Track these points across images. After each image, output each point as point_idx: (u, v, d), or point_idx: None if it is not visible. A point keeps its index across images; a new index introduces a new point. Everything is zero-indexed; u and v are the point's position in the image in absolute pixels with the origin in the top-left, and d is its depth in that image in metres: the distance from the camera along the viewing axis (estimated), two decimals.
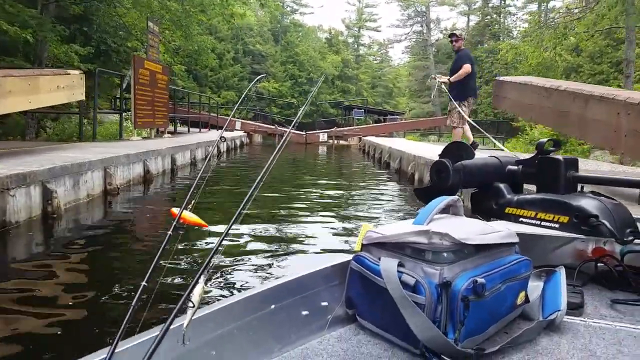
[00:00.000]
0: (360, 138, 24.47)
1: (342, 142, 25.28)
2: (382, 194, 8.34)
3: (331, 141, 24.77)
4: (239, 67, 39.49)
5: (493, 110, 40.79)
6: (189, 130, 17.41)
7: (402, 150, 11.20)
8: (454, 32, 7.87)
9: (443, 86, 7.64)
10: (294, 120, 1.66)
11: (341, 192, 8.60)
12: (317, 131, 25.82)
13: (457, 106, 7.13)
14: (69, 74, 7.24)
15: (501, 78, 6.47)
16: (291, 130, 1.52)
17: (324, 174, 12.19)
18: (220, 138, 1.68)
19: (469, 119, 6.82)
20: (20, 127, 11.66)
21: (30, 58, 11.98)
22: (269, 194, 7.40)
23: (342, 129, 27.04)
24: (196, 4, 14.06)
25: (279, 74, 42.24)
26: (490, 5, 48.30)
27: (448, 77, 7.50)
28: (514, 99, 5.84)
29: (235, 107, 2.27)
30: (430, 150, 10.09)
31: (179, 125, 18.90)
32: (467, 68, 7.22)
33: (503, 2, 47.70)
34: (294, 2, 51.94)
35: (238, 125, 23.80)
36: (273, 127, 25.09)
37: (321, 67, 44.76)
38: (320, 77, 43.63)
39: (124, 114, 12.03)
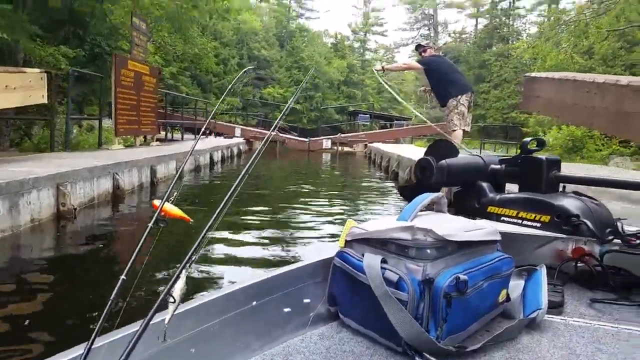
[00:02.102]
0: (365, 144, 23.41)
1: (346, 148, 24.18)
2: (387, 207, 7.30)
3: (335, 148, 23.70)
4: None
5: (502, 115, 39.83)
6: (182, 137, 16.33)
7: (412, 159, 10.09)
8: (420, 43, 7.49)
9: (425, 94, 7.28)
10: (277, 120, 1.55)
11: (344, 203, 7.55)
12: (320, 138, 24.75)
13: (451, 108, 6.50)
14: (25, 72, 6.19)
15: (532, 74, 5.41)
16: (272, 133, 1.48)
17: (323, 185, 11.13)
18: (202, 135, 1.79)
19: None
20: None
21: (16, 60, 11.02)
22: (260, 196, 7.37)
23: (346, 135, 25.94)
24: None
25: (284, 80, 41.50)
26: (499, 7, 47.16)
27: (382, 65, 7.17)
28: (550, 99, 4.78)
29: (216, 107, 2.42)
30: None
31: (179, 132, 17.96)
32: (409, 63, 7.89)
33: (512, 4, 46.61)
34: (300, 7, 51.47)
35: (238, 131, 22.77)
36: (274, 133, 24.00)
37: (327, 73, 44.10)
38: (325, 82, 43.30)
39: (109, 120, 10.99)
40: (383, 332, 1.21)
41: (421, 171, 2.21)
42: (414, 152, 13.72)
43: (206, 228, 0.99)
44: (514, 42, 43.61)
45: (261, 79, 40.35)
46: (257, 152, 1.23)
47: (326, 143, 23.86)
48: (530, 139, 2.20)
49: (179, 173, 1.52)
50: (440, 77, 6.62)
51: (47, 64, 10.96)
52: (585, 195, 1.96)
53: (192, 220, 1.16)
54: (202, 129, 1.94)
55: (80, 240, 4.90)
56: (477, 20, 50.56)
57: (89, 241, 4.89)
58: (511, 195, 2.09)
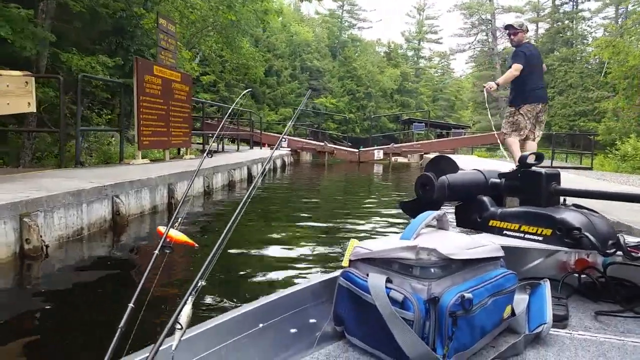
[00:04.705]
0: (421, 155, 21.73)
1: (400, 159, 22.54)
2: None
3: (388, 159, 22.12)
4: (296, 84, 38.41)
5: (568, 123, 37.07)
6: (222, 149, 15.19)
7: None
8: (511, 23, 6.00)
9: (488, 94, 6.14)
10: (286, 128, 1.63)
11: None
12: (372, 148, 23.23)
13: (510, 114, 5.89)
14: (1, 75, 5.13)
15: None
16: (284, 137, 1.28)
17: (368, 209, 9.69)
18: (207, 154, 1.82)
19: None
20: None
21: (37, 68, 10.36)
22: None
23: (399, 145, 24.28)
24: None
25: (337, 89, 40.71)
26: (561, 11, 44.30)
27: (496, 82, 6.02)
28: None
29: (228, 113, 2.23)
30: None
31: (228, 143, 17.13)
32: (513, 70, 5.63)
33: (575, 7, 43.71)
34: (352, 17, 50.59)
35: (284, 142, 21.68)
36: (322, 144, 22.72)
37: (380, 81, 43.00)
38: (377, 91, 42.10)
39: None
40: (389, 352, 1.20)
41: (422, 187, 2.21)
42: (476, 163, 12.05)
43: (211, 255, 0.99)
44: (578, 46, 40.77)
45: (314, 89, 39.70)
46: (261, 171, 1.53)
47: (378, 154, 22.31)
48: (529, 153, 2.16)
49: (183, 197, 1.52)
50: (526, 75, 5.67)
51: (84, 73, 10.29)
52: (586, 208, 1.93)
53: (197, 245, 1.23)
54: (214, 136, 1.92)
55: (49, 285, 3.70)
56: (537, 25, 47.84)
57: (64, 285, 3.70)
58: (512, 209, 2.06)
